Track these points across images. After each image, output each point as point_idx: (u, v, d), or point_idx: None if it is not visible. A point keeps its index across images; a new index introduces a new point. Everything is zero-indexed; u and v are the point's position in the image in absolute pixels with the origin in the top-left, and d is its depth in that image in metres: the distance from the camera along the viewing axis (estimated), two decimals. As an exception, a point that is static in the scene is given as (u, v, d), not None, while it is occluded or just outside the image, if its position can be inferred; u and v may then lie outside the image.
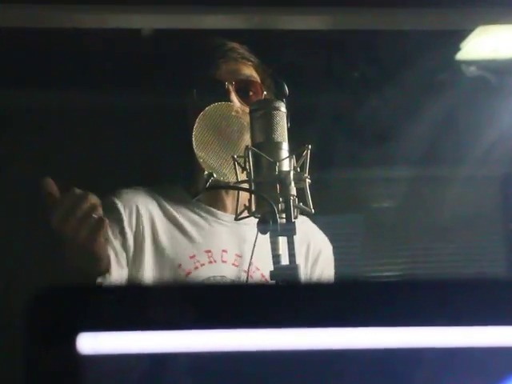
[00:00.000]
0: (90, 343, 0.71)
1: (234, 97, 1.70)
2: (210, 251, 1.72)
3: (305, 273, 1.79)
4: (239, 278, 1.71)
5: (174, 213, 1.76)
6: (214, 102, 1.59)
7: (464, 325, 0.78)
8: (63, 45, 2.13)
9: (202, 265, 1.72)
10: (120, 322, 0.73)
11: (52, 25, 2.00)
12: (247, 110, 1.67)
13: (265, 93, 1.77)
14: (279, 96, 1.69)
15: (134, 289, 0.78)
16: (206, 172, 1.45)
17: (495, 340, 0.79)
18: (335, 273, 1.83)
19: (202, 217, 1.76)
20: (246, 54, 1.78)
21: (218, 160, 1.48)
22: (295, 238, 1.41)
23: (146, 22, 2.05)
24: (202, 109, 1.53)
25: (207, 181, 1.43)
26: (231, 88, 1.71)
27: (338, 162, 2.11)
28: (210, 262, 1.72)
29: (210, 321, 0.74)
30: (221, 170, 1.46)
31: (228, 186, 1.54)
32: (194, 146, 1.49)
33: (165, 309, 0.74)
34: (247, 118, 1.46)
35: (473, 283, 0.83)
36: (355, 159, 2.19)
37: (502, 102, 2.13)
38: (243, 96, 1.72)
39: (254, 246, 1.47)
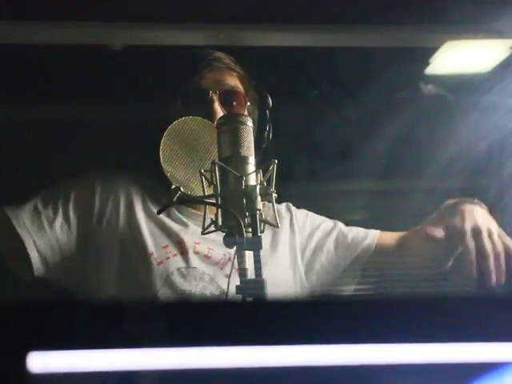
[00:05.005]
0: (41, 362, 0.71)
1: (217, 106, 1.72)
2: (182, 241, 1.74)
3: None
4: (212, 271, 1.72)
5: (152, 202, 1.78)
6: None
7: (423, 342, 0.80)
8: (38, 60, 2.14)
9: (174, 255, 1.73)
10: (71, 340, 0.72)
11: (25, 40, 2.00)
12: None
13: (248, 104, 1.79)
14: (263, 107, 1.72)
15: (84, 307, 0.77)
16: (173, 186, 1.45)
17: (465, 356, 0.81)
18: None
19: (179, 211, 1.78)
20: (231, 64, 1.80)
21: (185, 174, 1.49)
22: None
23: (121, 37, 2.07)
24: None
25: (174, 195, 1.43)
26: (215, 97, 1.73)
27: (301, 177, 2.13)
28: (182, 253, 1.73)
29: (164, 339, 0.75)
30: (188, 185, 1.47)
31: (195, 201, 1.55)
32: (162, 161, 1.49)
33: (117, 327, 0.74)
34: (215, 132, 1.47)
35: (437, 300, 0.84)
36: (319, 173, 2.21)
37: (470, 116, 2.17)
38: (226, 106, 1.74)
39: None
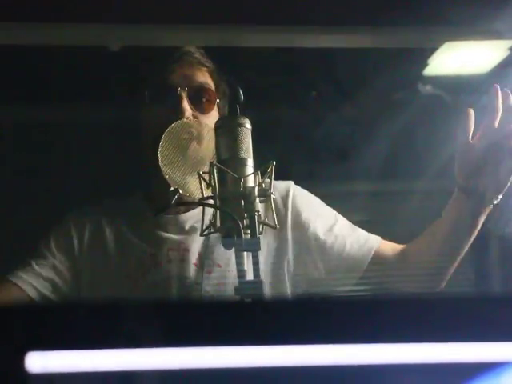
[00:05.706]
0: (39, 362, 0.71)
1: (185, 103, 1.70)
2: (155, 253, 1.73)
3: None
4: (193, 276, 1.71)
5: (128, 226, 1.78)
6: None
7: (417, 341, 0.80)
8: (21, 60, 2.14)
9: (149, 269, 1.72)
10: (69, 340, 0.72)
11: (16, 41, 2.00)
12: (199, 116, 1.69)
13: (218, 100, 1.77)
14: (234, 101, 1.70)
15: (83, 307, 0.77)
16: (171, 188, 1.45)
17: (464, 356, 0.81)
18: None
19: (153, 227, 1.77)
20: (202, 58, 1.77)
21: (183, 176, 1.49)
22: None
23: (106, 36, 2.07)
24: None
25: (173, 197, 1.43)
26: (183, 94, 1.71)
27: (299, 178, 2.13)
28: (156, 265, 1.72)
29: (162, 339, 0.75)
30: (186, 187, 1.47)
31: (193, 202, 1.55)
32: (160, 163, 1.49)
33: (115, 327, 0.74)
34: (212, 134, 1.47)
35: (434, 300, 0.85)
36: (317, 175, 2.21)
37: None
38: (196, 103, 1.72)
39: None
